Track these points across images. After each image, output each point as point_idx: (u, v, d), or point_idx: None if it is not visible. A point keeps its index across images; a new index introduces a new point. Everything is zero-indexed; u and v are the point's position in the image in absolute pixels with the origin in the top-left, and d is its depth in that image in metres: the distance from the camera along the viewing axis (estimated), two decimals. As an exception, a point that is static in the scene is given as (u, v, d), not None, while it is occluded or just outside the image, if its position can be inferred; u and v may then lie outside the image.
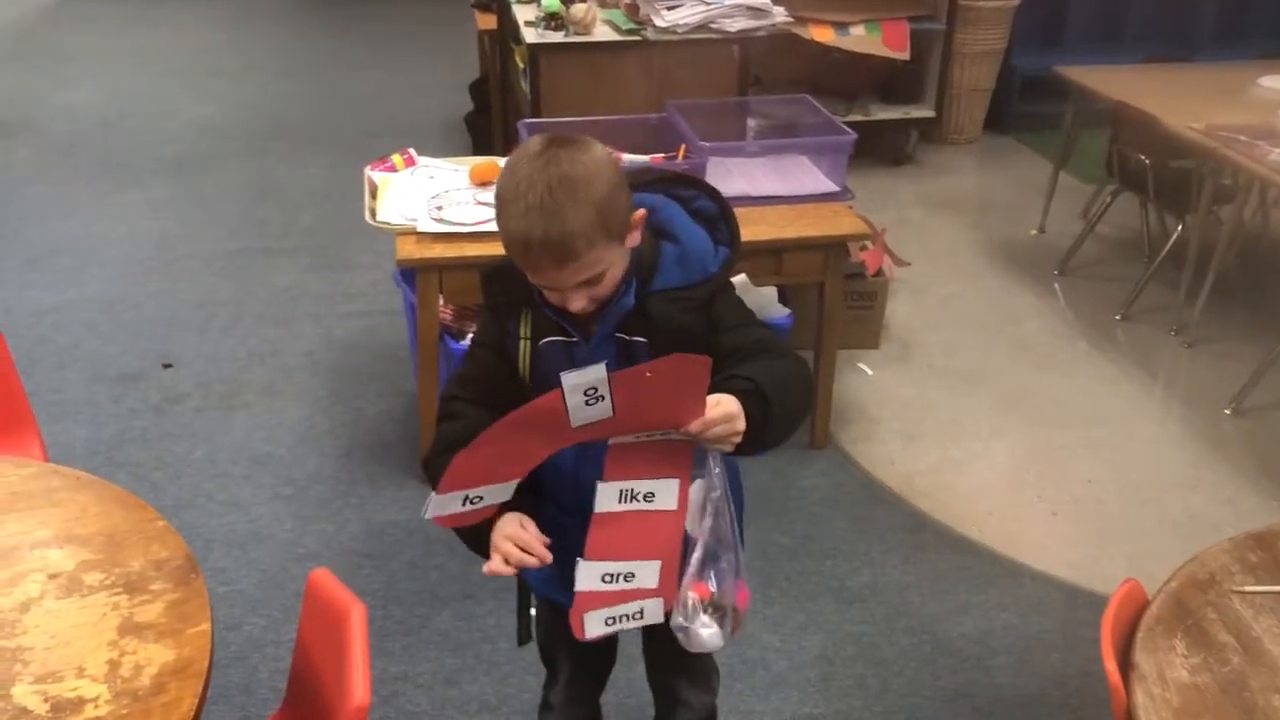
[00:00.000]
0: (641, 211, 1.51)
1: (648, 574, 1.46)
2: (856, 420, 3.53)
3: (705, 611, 1.44)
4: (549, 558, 1.47)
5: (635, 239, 1.51)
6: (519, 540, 1.48)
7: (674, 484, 1.44)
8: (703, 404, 1.36)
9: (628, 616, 1.48)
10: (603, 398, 1.32)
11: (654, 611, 1.49)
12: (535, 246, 1.40)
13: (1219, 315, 4.07)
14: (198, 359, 3.79)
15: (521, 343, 1.58)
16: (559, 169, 1.40)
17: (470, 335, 3.06)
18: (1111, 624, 1.67)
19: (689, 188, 1.64)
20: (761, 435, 1.42)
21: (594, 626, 1.48)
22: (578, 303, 1.48)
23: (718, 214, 1.62)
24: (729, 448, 1.41)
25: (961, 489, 3.23)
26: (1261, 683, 1.58)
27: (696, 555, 1.45)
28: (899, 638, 2.67)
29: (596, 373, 1.30)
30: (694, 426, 1.36)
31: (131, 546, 1.68)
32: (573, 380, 1.30)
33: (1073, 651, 2.64)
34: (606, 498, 1.44)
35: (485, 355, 1.63)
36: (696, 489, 1.45)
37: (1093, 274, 4.55)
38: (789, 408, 1.46)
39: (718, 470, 1.44)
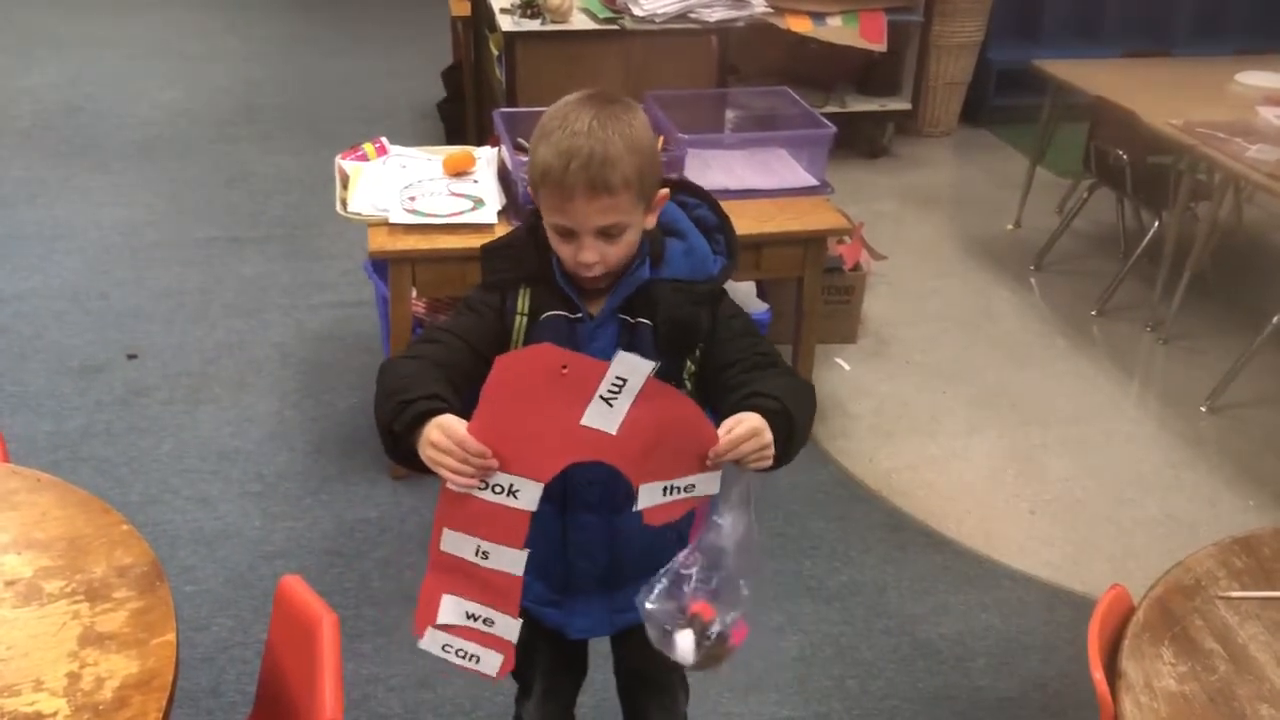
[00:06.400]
0: (665, 191, 1.54)
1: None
2: (834, 416, 3.51)
3: (693, 626, 1.38)
4: (494, 464, 1.34)
5: (653, 220, 1.54)
6: (451, 452, 1.33)
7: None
8: (710, 429, 1.35)
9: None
10: (617, 401, 1.30)
11: None
12: (575, 169, 1.41)
13: (1194, 312, 4.07)
14: (164, 350, 3.71)
15: (518, 318, 1.55)
16: (610, 110, 1.46)
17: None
18: (1098, 631, 1.65)
19: (691, 195, 1.65)
20: (786, 453, 1.40)
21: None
22: (590, 253, 1.46)
23: (717, 225, 1.63)
24: (766, 463, 1.37)
25: (940, 487, 3.21)
26: (1249, 691, 1.57)
27: (721, 573, 1.38)
28: (878, 639, 2.65)
29: (646, 366, 1.29)
30: (721, 445, 1.34)
31: (94, 552, 1.62)
32: (624, 360, 1.29)
33: (1053, 653, 2.62)
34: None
35: (473, 320, 1.55)
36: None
37: (1069, 269, 4.55)
38: (808, 424, 1.47)
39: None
